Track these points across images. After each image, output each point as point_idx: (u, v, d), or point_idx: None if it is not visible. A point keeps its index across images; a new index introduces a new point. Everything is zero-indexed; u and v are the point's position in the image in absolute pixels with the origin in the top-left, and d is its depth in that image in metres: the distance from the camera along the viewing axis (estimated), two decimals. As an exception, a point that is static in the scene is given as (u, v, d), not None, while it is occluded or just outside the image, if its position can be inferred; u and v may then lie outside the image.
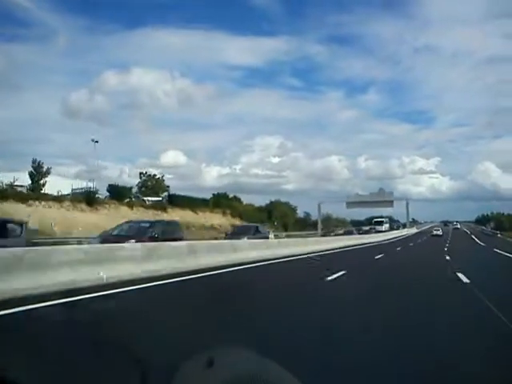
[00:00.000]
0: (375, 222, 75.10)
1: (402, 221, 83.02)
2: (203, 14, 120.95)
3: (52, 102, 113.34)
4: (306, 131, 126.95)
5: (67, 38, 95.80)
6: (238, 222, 48.19)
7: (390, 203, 69.81)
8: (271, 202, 67.65)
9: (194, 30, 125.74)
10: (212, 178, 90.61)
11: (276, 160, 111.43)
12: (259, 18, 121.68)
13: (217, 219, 50.79)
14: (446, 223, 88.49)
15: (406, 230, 68.81)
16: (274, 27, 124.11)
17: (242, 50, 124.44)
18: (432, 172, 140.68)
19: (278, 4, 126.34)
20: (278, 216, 63.71)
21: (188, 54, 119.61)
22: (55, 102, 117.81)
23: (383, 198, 68.83)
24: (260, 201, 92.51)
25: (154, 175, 53.17)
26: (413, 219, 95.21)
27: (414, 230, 73.67)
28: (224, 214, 54.33)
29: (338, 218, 79.62)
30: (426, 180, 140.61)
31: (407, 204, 72.21)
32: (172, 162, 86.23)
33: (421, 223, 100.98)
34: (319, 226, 66.39)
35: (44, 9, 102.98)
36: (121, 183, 46.33)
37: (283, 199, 70.49)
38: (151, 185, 52.53)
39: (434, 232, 56.27)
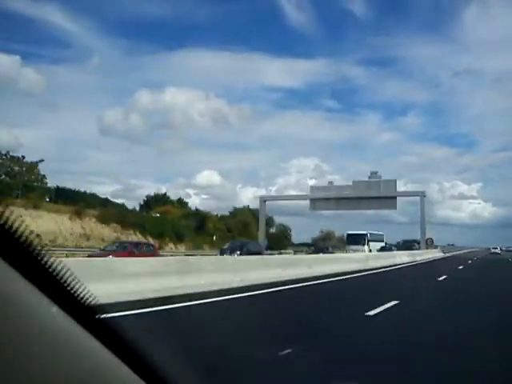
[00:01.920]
0: (349, 236, 52.20)
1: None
2: (241, 35, 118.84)
3: (89, 121, 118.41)
4: (342, 153, 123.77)
5: (107, 58, 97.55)
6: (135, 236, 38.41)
7: (390, 202, 48.63)
8: (235, 209, 59.44)
9: (231, 52, 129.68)
10: (247, 198, 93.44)
11: (312, 182, 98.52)
12: (298, 40, 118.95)
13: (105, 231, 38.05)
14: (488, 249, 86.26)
15: (421, 252, 40.66)
16: (313, 49, 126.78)
17: (280, 71, 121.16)
18: (473, 197, 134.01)
19: (317, 26, 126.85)
20: (236, 228, 52.96)
21: (226, 75, 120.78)
22: (92, 121, 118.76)
23: (377, 192, 47.68)
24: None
25: (23, 157, 41.51)
26: (451, 244, 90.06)
27: (438, 254, 47.56)
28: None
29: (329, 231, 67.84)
30: (467, 205, 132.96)
31: (422, 201, 49.37)
32: (207, 182, 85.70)
33: (457, 248, 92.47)
34: (261, 235, 49.70)
35: (86, 31, 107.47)
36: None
37: (318, 222, 64.02)
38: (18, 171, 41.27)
39: (493, 250, 66.13)
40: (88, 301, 0.65)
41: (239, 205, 76.51)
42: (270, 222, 60.41)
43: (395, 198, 48.89)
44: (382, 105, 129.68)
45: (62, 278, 0.60)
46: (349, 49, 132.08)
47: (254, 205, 61.37)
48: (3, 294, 0.51)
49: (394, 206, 49.69)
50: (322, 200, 50.40)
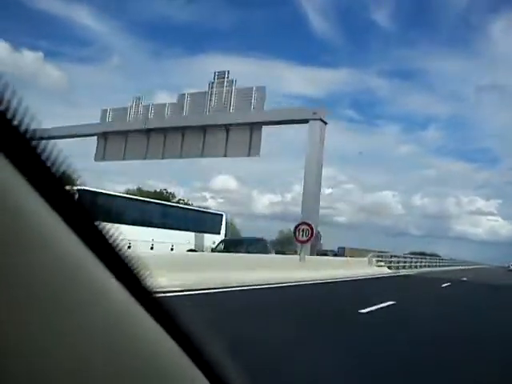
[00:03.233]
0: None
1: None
2: (265, 42, 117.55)
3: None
4: (360, 164, 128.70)
5: (130, 59, 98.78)
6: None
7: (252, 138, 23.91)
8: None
9: (254, 58, 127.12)
10: (263, 205, 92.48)
11: (328, 191, 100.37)
12: (321, 49, 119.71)
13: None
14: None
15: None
16: (336, 58, 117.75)
17: (302, 79, 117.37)
18: (491, 214, 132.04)
19: (341, 35, 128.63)
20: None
21: (247, 81, 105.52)
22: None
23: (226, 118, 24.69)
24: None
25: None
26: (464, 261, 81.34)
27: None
28: None
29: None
30: (485, 222, 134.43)
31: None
32: (224, 187, 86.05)
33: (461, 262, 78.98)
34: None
35: (111, 31, 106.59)
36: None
37: (333, 230, 72.13)
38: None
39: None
40: (149, 283, 0.64)
41: (255, 211, 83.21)
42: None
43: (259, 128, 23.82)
44: (403, 117, 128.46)
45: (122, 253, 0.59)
46: (372, 59, 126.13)
47: (271, 211, 65.90)
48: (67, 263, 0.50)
49: (257, 151, 24.85)
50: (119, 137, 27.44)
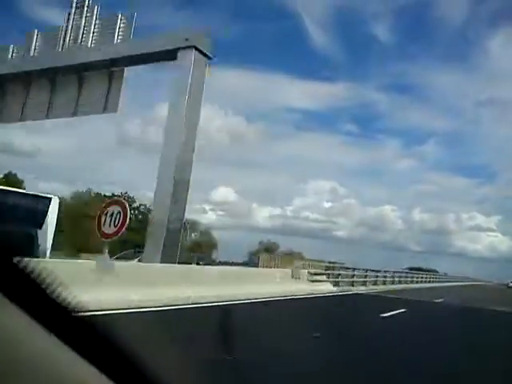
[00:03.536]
0: None
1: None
2: (265, 55, 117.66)
3: (108, 130, 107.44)
4: (360, 178, 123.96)
5: (131, 69, 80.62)
6: None
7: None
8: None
9: (255, 71, 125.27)
10: (263, 217, 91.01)
11: (328, 205, 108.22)
12: (321, 63, 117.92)
13: None
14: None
15: None
16: (336, 72, 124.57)
17: (302, 93, 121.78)
18: (491, 230, 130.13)
19: (341, 50, 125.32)
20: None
21: (247, 93, 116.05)
22: (111, 130, 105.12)
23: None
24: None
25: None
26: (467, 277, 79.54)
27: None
28: None
29: None
30: (484, 238, 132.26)
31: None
32: (223, 199, 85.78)
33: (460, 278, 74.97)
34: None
35: None
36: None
37: (334, 245, 69.98)
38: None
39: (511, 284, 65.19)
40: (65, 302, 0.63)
41: (254, 223, 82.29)
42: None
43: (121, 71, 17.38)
44: (402, 131, 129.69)
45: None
46: (371, 74, 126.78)
47: (270, 224, 70.87)
48: None
49: (115, 106, 17.70)
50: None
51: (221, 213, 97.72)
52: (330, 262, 22.46)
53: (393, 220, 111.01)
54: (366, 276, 26.38)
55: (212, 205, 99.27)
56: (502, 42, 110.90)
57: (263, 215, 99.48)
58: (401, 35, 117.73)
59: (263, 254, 25.36)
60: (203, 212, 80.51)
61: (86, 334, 0.62)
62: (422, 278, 48.79)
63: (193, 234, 60.47)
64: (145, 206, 57.21)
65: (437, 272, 72.66)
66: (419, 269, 63.94)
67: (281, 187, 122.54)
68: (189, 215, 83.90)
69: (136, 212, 57.90)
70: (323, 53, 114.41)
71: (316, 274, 16.74)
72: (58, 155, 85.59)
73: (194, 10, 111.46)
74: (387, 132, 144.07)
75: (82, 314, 0.64)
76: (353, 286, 21.14)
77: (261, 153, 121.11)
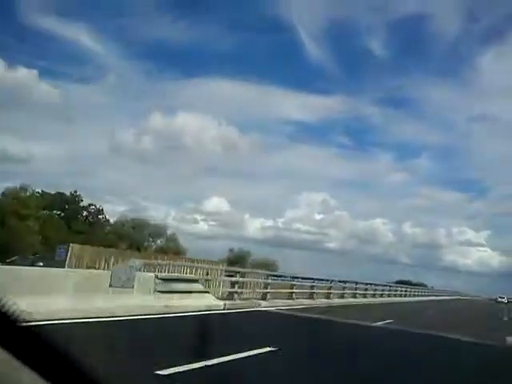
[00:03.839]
0: None
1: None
2: (261, 68, 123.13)
3: (103, 139, 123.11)
4: (352, 190, 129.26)
5: (127, 79, 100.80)
6: None
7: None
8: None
9: (251, 83, 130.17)
10: (255, 228, 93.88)
11: (319, 217, 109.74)
12: (316, 76, 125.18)
13: None
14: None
15: None
16: (330, 86, 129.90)
17: (296, 105, 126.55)
18: (481, 245, 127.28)
19: (336, 63, 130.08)
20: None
21: (242, 105, 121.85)
22: (106, 139, 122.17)
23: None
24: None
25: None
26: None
27: None
28: None
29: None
30: (474, 252, 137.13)
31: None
32: (215, 209, 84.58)
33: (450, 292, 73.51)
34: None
35: (109, 51, 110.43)
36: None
37: (325, 257, 72.02)
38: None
39: (499, 299, 65.86)
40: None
41: (246, 234, 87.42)
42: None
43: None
44: (395, 145, 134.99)
45: None
46: (365, 87, 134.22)
47: (262, 235, 79.18)
48: None
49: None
50: None
51: (212, 223, 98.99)
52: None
53: (384, 233, 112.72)
54: (312, 287, 21.52)
55: (204, 215, 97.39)
56: (493, 60, 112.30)
57: (255, 226, 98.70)
58: (395, 50, 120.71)
59: (76, 246, 17.59)
60: (194, 222, 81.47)
61: None
62: (405, 291, 45.70)
63: (158, 240, 56.95)
64: (95, 206, 51.84)
65: (425, 286, 69.72)
66: (408, 282, 64.54)
67: (273, 198, 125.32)
68: (180, 225, 74.14)
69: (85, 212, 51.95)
70: (318, 66, 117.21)
71: (175, 281, 10.79)
72: (52, 161, 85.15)
73: (191, 22, 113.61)
74: (380, 145, 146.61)
75: None
76: (265, 299, 15.28)
77: (254, 163, 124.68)
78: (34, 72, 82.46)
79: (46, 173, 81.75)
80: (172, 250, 49.88)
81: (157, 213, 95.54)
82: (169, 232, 56.62)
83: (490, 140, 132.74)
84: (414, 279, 78.57)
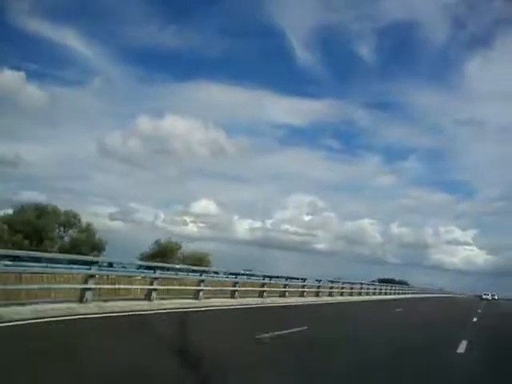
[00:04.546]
0: None
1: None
2: (251, 72, 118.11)
3: (91, 142, 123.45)
4: (340, 192, 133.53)
5: (116, 83, 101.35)
6: None
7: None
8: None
9: (241, 87, 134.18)
10: (244, 230, 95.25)
11: (308, 218, 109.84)
12: (305, 80, 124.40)
13: None
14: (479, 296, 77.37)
15: None
16: (320, 90, 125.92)
17: (286, 109, 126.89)
18: (467, 244, 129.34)
19: (326, 67, 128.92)
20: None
21: (232, 109, 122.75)
22: (94, 142, 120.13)
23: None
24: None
25: None
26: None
27: None
28: None
29: None
30: (461, 251, 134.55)
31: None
32: (204, 211, 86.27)
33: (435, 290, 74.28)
34: None
35: (98, 55, 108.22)
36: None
37: (313, 258, 69.16)
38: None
39: (484, 296, 69.84)
40: None
41: (235, 236, 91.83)
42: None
43: None
44: (383, 148, 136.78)
45: None
46: (354, 91, 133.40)
47: (251, 237, 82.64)
48: None
49: None
50: None
51: (201, 225, 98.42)
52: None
53: (371, 233, 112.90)
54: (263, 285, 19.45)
55: (193, 217, 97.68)
56: (480, 65, 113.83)
57: (244, 228, 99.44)
58: (384, 55, 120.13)
59: None
60: (184, 224, 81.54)
61: None
62: (382, 289, 43.99)
63: (70, 230, 48.69)
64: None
65: (407, 284, 67.09)
66: (391, 280, 63.93)
67: (262, 200, 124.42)
68: (169, 227, 68.65)
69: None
70: (308, 70, 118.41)
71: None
72: (40, 164, 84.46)
73: (181, 27, 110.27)
74: (368, 148, 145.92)
75: None
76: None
77: (243, 166, 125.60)
78: (22, 74, 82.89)
79: (34, 176, 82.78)
80: (85, 242, 43.43)
81: (146, 215, 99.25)
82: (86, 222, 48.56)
83: (476, 143, 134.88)
84: (401, 278, 77.59)
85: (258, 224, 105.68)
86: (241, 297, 17.05)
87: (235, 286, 16.99)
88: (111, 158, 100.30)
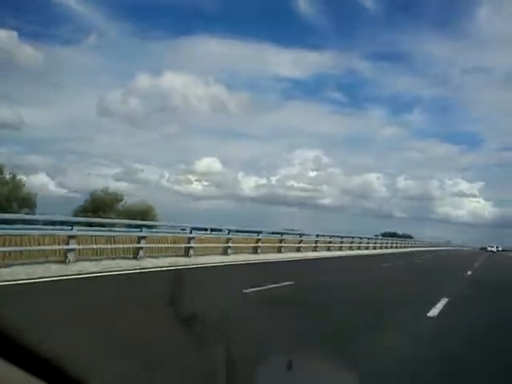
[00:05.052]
0: None
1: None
2: (251, 25, 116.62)
3: (91, 102, 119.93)
4: (345, 147, 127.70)
5: (113, 40, 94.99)
6: None
7: None
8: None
9: (241, 41, 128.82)
10: (249, 187, 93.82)
11: (313, 174, 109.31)
12: (308, 32, 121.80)
13: None
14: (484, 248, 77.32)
15: None
16: (323, 41, 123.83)
17: (288, 62, 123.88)
18: (474, 196, 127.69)
19: (328, 18, 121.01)
20: None
21: (233, 63, 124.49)
22: (95, 102, 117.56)
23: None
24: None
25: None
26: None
27: None
28: None
29: None
30: (467, 204, 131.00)
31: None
32: (208, 169, 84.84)
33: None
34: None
35: (93, 11, 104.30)
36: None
37: (319, 213, 72.98)
38: None
39: (489, 249, 70.33)
40: None
41: (240, 193, 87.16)
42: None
43: None
44: (388, 99, 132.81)
45: None
46: (358, 42, 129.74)
47: (256, 194, 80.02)
48: None
49: None
50: None
51: (206, 183, 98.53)
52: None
53: (377, 187, 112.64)
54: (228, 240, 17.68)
55: (197, 175, 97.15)
56: (489, 10, 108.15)
57: (249, 185, 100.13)
58: (388, 4, 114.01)
59: None
60: (188, 183, 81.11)
61: None
62: (383, 244, 43.32)
63: None
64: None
65: (411, 238, 65.66)
66: (395, 234, 64.55)
67: (267, 157, 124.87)
68: (175, 186, 62.70)
69: None
70: (311, 21, 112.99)
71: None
72: (43, 127, 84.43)
73: None
74: (373, 100, 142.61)
75: None
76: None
77: (246, 122, 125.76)
78: (16, 34, 79.16)
79: (37, 139, 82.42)
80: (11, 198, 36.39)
81: (150, 175, 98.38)
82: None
83: (484, 92, 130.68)
84: (408, 232, 75.69)
85: (263, 181, 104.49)
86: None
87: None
88: (112, 118, 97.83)
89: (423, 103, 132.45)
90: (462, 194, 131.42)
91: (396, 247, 46.24)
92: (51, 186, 57.12)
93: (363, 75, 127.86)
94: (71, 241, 10.74)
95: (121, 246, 12.74)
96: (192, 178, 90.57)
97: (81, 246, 11.12)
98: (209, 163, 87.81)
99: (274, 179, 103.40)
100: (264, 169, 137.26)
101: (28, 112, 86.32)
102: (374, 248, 38.75)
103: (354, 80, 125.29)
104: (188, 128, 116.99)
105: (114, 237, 12.59)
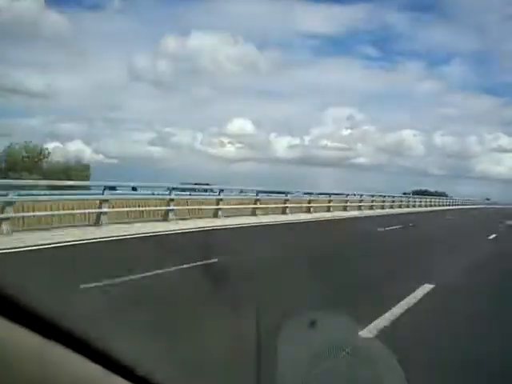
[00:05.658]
0: None
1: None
2: None
3: (120, 67, 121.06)
4: (380, 103, 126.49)
5: (138, 2, 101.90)
6: None
7: None
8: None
9: None
10: (282, 148, 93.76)
11: (347, 132, 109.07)
12: None
13: None
14: None
15: None
16: None
17: (319, 18, 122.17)
18: None
19: None
20: None
21: (263, 21, 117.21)
22: (123, 67, 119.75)
23: None
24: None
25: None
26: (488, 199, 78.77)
27: None
28: None
29: None
30: (508, 159, 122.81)
31: None
32: (240, 131, 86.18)
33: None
34: None
35: None
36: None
37: (354, 173, 64.74)
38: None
39: None
40: None
41: (274, 155, 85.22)
42: None
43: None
44: (424, 53, 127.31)
45: None
46: None
47: (289, 155, 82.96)
48: None
49: None
50: None
51: (239, 145, 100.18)
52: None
53: (414, 145, 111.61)
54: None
55: (229, 138, 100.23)
56: None
57: (282, 146, 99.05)
58: None
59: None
60: (221, 145, 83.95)
61: None
62: (416, 202, 43.13)
63: None
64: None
65: (445, 195, 64.51)
66: (425, 192, 62.32)
67: (299, 116, 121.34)
68: (206, 149, 67.59)
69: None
70: None
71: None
72: (72, 95, 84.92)
73: None
74: (408, 54, 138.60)
75: None
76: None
77: (277, 82, 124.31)
78: (41, 0, 79.10)
79: (68, 107, 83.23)
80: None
81: (183, 138, 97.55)
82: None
83: None
84: (445, 190, 74.26)
85: (296, 141, 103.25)
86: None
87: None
88: (142, 82, 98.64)
89: (462, 55, 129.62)
90: (503, 150, 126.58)
91: (429, 205, 45.93)
92: (87, 153, 56.49)
93: (397, 28, 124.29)
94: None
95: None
96: (225, 140, 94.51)
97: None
98: (241, 125, 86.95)
99: (307, 139, 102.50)
100: (297, 128, 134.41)
101: (57, 79, 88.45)
102: (407, 206, 38.60)
103: (387, 34, 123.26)
104: (219, 89, 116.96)
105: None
